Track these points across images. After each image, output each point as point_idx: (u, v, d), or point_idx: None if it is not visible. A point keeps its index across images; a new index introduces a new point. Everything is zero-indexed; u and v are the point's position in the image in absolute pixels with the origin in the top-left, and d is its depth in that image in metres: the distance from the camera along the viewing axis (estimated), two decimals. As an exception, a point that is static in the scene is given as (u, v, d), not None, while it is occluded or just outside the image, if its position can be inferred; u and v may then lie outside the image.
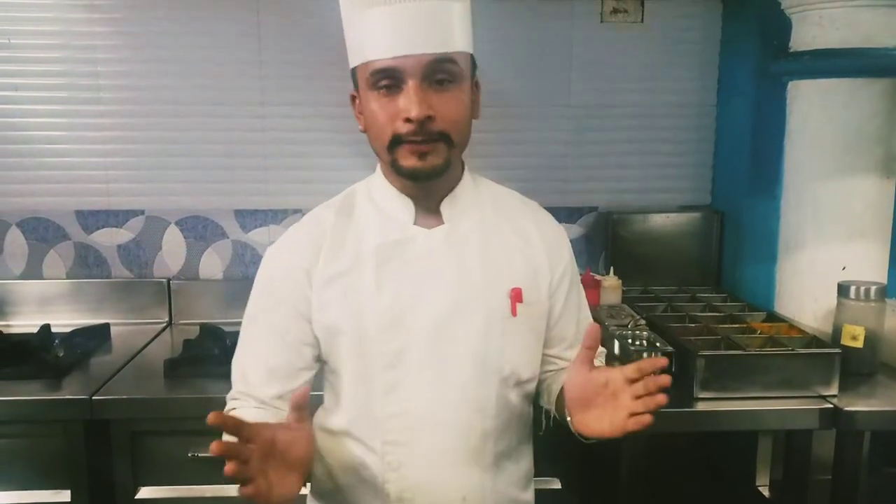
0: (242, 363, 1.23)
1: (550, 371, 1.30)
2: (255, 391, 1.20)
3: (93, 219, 2.38)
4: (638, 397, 1.03)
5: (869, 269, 1.91)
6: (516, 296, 1.19)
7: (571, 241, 2.51)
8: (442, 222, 1.21)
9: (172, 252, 2.41)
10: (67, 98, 2.31)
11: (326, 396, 1.27)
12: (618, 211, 2.42)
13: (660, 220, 2.41)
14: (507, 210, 1.27)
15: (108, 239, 2.40)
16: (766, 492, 2.04)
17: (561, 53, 2.39)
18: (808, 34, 1.91)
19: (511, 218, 1.26)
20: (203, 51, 2.31)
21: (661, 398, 1.03)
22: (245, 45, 2.32)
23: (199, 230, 2.41)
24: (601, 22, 2.38)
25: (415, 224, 1.20)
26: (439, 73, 1.09)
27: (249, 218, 2.40)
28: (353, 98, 1.21)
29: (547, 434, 1.30)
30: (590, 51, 2.40)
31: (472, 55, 1.16)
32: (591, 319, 1.33)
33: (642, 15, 2.39)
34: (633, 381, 1.04)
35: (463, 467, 1.18)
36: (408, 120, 1.08)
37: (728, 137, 2.42)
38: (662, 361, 1.07)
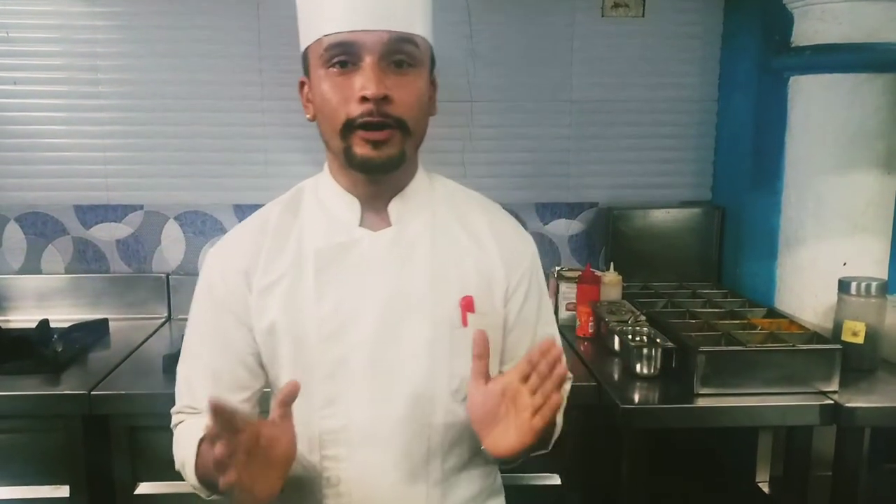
0: (187, 375, 1.16)
1: None
2: (202, 404, 1.08)
3: (91, 213, 2.38)
4: (535, 391, 0.96)
5: (870, 264, 1.91)
6: (467, 305, 1.11)
7: (572, 236, 2.52)
8: (387, 226, 1.13)
9: (171, 247, 2.41)
10: (66, 92, 2.30)
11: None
12: (618, 206, 2.41)
13: (660, 216, 2.41)
14: (462, 212, 1.18)
15: (106, 234, 2.39)
16: (765, 488, 2.04)
17: (562, 48, 2.38)
18: (810, 29, 1.90)
19: (466, 221, 1.17)
20: (202, 45, 2.31)
21: (558, 373, 0.94)
22: (244, 39, 2.31)
23: (199, 225, 2.40)
24: (602, 16, 2.38)
25: (361, 226, 1.12)
26: (399, 53, 1.03)
27: (249, 213, 2.33)
28: (302, 85, 1.13)
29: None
30: (591, 46, 2.39)
31: (432, 48, 1.10)
32: (552, 338, 1.13)
33: (643, 9, 2.38)
34: (527, 376, 0.97)
35: (406, 485, 1.10)
36: (364, 99, 1.00)
37: (729, 133, 2.41)
38: (554, 350, 0.96)
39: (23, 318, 2.27)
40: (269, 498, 0.94)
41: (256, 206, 2.38)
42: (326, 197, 1.15)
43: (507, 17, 2.35)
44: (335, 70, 1.03)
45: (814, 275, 1.95)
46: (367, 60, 1.01)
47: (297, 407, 1.04)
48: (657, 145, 2.47)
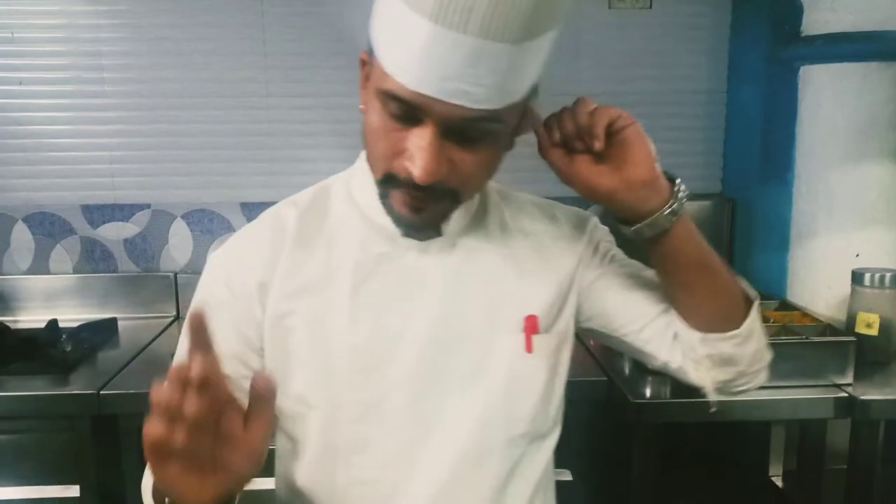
0: None
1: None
2: None
3: (99, 213, 2.37)
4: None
5: (883, 256, 1.89)
6: (531, 327, 0.93)
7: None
8: (435, 234, 0.93)
9: (179, 246, 2.40)
10: (72, 92, 2.30)
11: (279, 444, 0.99)
12: (627, 200, 2.39)
13: (670, 209, 2.38)
14: (518, 217, 1.02)
15: (114, 233, 2.39)
16: (779, 482, 2.02)
17: (569, 40, 2.36)
18: (821, 18, 1.88)
19: (523, 226, 1.01)
20: (207, 43, 2.30)
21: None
22: (249, 36, 2.30)
23: (206, 223, 2.40)
24: (609, 8, 2.36)
25: (405, 235, 0.92)
26: (472, 130, 0.80)
27: (256, 211, 2.36)
28: (364, 63, 0.87)
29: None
30: (598, 37, 2.37)
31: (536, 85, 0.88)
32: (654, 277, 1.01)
33: (651, 0, 2.36)
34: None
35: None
36: (409, 170, 0.81)
37: (739, 124, 2.39)
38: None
39: (31, 319, 2.27)
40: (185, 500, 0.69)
41: (263, 204, 2.38)
42: (363, 199, 0.94)
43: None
44: (390, 115, 0.81)
45: (826, 267, 1.93)
46: (428, 131, 0.78)
47: (317, 452, 0.92)
48: (666, 137, 2.43)
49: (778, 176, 2.08)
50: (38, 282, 2.35)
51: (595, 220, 1.07)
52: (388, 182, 0.85)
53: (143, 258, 2.40)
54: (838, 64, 1.87)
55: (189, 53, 2.30)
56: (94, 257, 2.39)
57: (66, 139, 2.32)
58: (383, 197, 0.88)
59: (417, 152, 0.79)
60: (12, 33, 2.25)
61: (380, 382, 0.90)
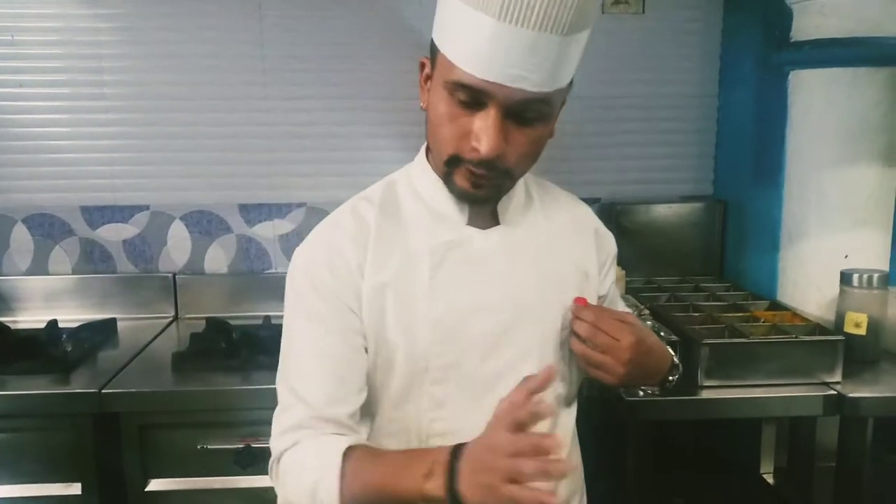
0: (295, 387, 1.03)
1: None
2: (328, 412, 1.01)
3: (98, 214, 2.39)
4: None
5: (871, 257, 1.92)
6: (582, 304, 1.10)
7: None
8: (493, 223, 1.10)
9: (178, 247, 2.42)
10: (71, 94, 2.31)
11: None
12: (620, 202, 2.43)
13: (662, 211, 2.42)
14: (555, 208, 1.18)
15: (113, 234, 2.40)
16: (770, 479, 2.05)
17: (563, 45, 2.39)
18: (810, 23, 1.91)
19: (560, 216, 1.17)
20: (206, 46, 2.32)
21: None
22: (247, 39, 2.33)
23: (204, 225, 2.42)
24: (602, 13, 2.39)
25: (468, 224, 1.09)
26: (528, 111, 0.96)
27: (254, 212, 2.41)
28: (423, 66, 1.06)
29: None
30: (591, 42, 2.36)
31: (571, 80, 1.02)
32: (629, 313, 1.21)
33: (643, 6, 2.39)
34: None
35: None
36: (475, 149, 0.96)
37: (730, 127, 2.43)
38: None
39: (31, 319, 2.28)
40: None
41: (262, 206, 2.42)
42: (428, 193, 1.10)
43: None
44: (457, 102, 0.96)
45: (816, 268, 1.96)
46: (492, 113, 0.94)
47: (400, 404, 1.06)
48: (659, 141, 2.48)
49: (769, 178, 2.11)
50: (38, 282, 2.36)
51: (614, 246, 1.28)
52: (454, 162, 1.00)
53: (142, 259, 2.42)
54: (828, 68, 1.89)
55: (188, 57, 2.32)
56: (93, 258, 2.41)
57: (66, 141, 2.34)
58: (447, 176, 1.03)
59: (483, 132, 0.95)
60: (13, 36, 2.27)
61: (455, 350, 1.04)
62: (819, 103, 1.92)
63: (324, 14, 2.30)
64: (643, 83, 2.44)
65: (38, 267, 2.40)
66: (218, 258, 2.43)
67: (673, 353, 1.20)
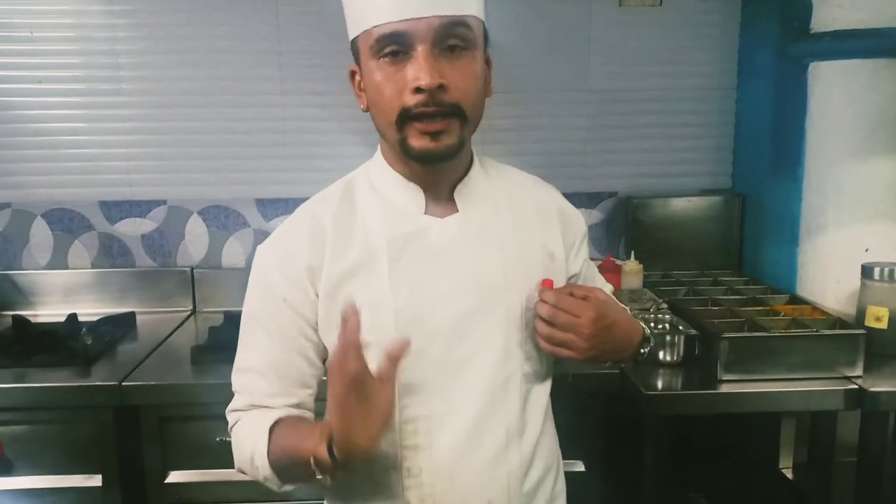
0: (244, 376, 1.13)
1: None
2: (266, 402, 1.10)
3: (116, 209, 2.41)
4: None
5: (892, 250, 1.91)
6: (549, 287, 1.11)
7: (591, 226, 2.54)
8: (452, 211, 1.12)
9: (195, 241, 2.44)
10: (89, 90, 2.33)
11: None
12: (638, 196, 2.42)
13: (680, 205, 2.41)
14: (518, 191, 1.20)
15: (131, 229, 2.42)
16: (789, 474, 2.04)
17: (579, 38, 2.39)
18: (829, 15, 1.90)
19: (523, 199, 1.19)
20: (222, 41, 2.33)
21: None
22: (264, 34, 2.33)
23: (221, 219, 2.43)
24: (620, 5, 2.38)
25: (425, 214, 1.11)
26: (451, 37, 0.99)
27: (270, 207, 2.42)
28: (353, 74, 1.12)
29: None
30: (608, 35, 2.39)
31: (484, 24, 1.06)
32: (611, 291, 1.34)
33: (661, -2, 2.38)
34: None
35: (487, 472, 1.09)
36: (418, 90, 0.98)
37: (748, 120, 2.41)
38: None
39: (51, 313, 2.31)
40: (366, 448, 0.93)
41: (278, 200, 2.43)
42: (385, 187, 1.13)
43: (524, 7, 2.35)
44: (387, 60, 1.00)
45: (835, 261, 1.95)
46: (419, 49, 0.98)
47: None
48: (676, 134, 2.47)
49: (787, 171, 2.10)
50: (58, 277, 2.38)
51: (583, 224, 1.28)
52: (404, 119, 1.01)
53: (160, 253, 2.43)
54: (847, 60, 1.88)
55: (204, 52, 2.33)
56: (111, 253, 2.43)
57: (84, 137, 2.36)
58: (403, 141, 1.03)
59: (418, 71, 0.97)
60: (31, 32, 2.29)
61: (421, 336, 1.05)
62: (838, 95, 1.91)
63: (340, 8, 2.29)
64: (660, 76, 2.42)
65: (58, 261, 2.42)
66: (235, 252, 2.44)
67: (644, 327, 1.22)
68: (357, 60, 1.09)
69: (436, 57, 0.98)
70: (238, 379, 1.14)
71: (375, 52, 1.01)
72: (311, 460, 0.97)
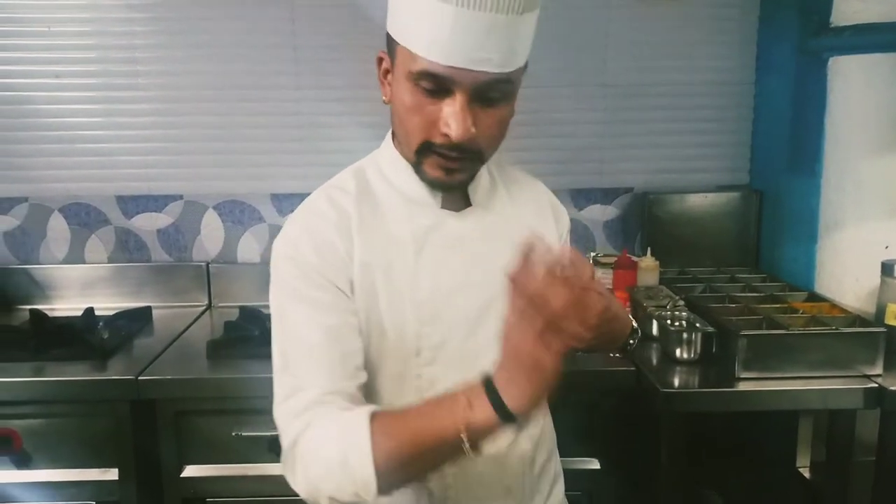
0: (306, 367, 1.02)
1: None
2: (337, 386, 1.00)
3: (133, 204, 2.42)
4: None
5: (912, 247, 1.89)
6: None
7: (607, 222, 2.53)
8: (466, 205, 1.14)
9: (211, 236, 2.44)
10: (106, 85, 2.34)
11: None
12: (654, 191, 2.40)
13: (697, 201, 2.39)
14: (516, 187, 1.23)
15: (147, 223, 2.43)
16: (806, 473, 2.02)
17: (596, 32, 2.37)
18: (850, 9, 1.88)
19: (521, 194, 1.23)
20: (238, 36, 2.33)
21: None
22: (280, 29, 2.33)
23: (237, 214, 2.43)
24: (637, 0, 2.36)
25: (442, 207, 1.12)
26: (493, 91, 0.99)
27: (286, 202, 2.42)
28: (381, 61, 1.09)
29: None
30: (626, 29, 2.37)
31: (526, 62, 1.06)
32: None
33: (679, -8, 2.36)
34: None
35: (503, 458, 1.13)
36: (445, 135, 0.98)
37: (767, 116, 2.38)
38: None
39: (68, 307, 2.32)
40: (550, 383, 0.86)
41: (294, 195, 2.43)
42: (399, 180, 1.12)
43: (542, 2, 2.33)
44: (422, 91, 0.99)
45: (854, 258, 1.93)
46: (458, 98, 0.97)
47: (396, 389, 1.08)
48: (693, 129, 2.45)
49: (806, 167, 2.08)
50: (74, 271, 2.40)
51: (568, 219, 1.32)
52: (425, 150, 1.03)
53: (176, 248, 2.44)
54: (868, 55, 1.86)
55: (220, 46, 2.33)
56: (128, 247, 2.44)
57: (101, 131, 2.36)
58: (418, 165, 1.06)
59: (452, 117, 0.97)
60: (49, 27, 2.30)
61: (441, 330, 1.08)
62: (858, 90, 1.89)
63: (356, 2, 2.29)
64: (678, 70, 2.40)
65: (75, 255, 2.43)
66: (250, 247, 2.44)
67: (632, 319, 1.24)
68: (391, 54, 1.05)
69: (472, 107, 0.98)
70: (289, 377, 1.02)
71: (414, 77, 0.98)
72: (463, 431, 0.89)
